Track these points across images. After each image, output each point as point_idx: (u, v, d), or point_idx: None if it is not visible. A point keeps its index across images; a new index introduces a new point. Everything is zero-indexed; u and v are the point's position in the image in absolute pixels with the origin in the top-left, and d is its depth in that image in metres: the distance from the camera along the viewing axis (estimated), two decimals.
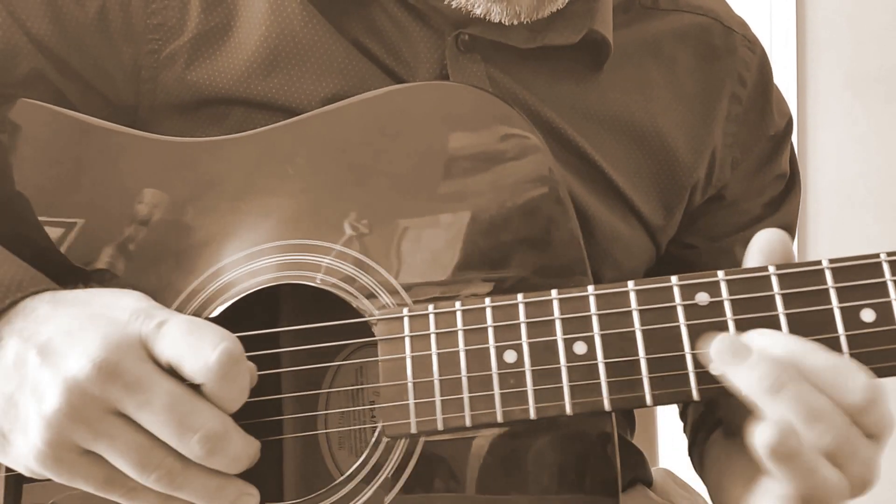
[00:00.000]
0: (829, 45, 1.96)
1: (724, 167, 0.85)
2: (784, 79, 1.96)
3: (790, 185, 0.91)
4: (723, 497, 0.68)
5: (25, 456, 0.56)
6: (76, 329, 0.55)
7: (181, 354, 0.54)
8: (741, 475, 0.62)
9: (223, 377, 0.55)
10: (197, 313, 0.65)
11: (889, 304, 0.57)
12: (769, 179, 0.89)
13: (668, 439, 1.22)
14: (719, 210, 0.87)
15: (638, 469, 0.87)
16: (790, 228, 0.92)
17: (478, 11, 0.72)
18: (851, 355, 0.56)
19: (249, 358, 0.63)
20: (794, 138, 0.91)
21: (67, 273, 0.66)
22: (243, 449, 0.57)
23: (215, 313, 0.65)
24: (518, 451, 0.61)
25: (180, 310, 0.65)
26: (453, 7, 0.73)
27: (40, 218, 0.68)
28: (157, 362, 0.56)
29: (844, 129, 1.96)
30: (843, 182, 1.95)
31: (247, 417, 0.58)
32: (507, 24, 0.73)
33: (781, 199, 0.90)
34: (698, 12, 0.85)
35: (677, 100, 0.82)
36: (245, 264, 0.65)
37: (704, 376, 0.57)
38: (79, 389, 0.53)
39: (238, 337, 0.63)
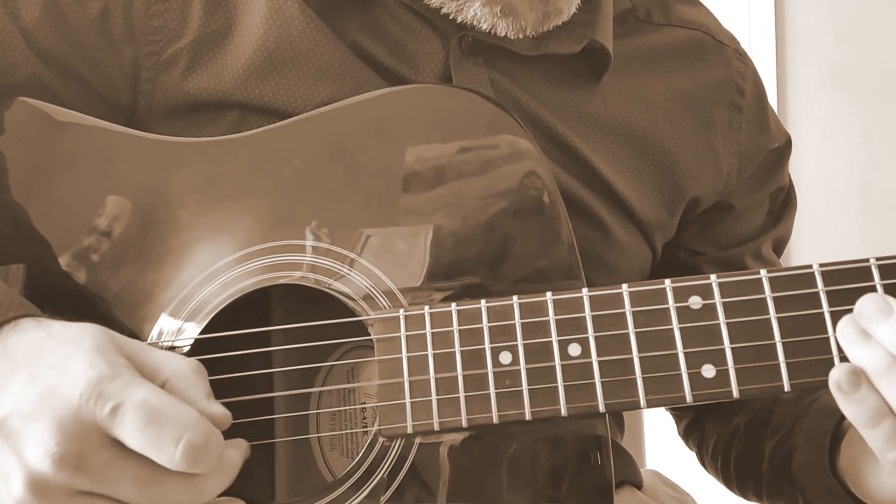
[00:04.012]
0: (809, 38, 2.00)
1: (732, 173, 0.89)
2: (763, 74, 1.99)
3: (788, 198, 0.96)
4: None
5: None
6: (29, 409, 0.54)
7: (144, 448, 0.53)
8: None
9: (192, 467, 0.54)
10: (195, 312, 0.66)
11: None
12: (772, 190, 0.94)
13: (655, 440, 1.26)
14: (729, 219, 0.91)
15: (627, 471, 0.89)
16: (784, 241, 0.97)
17: (484, 26, 0.75)
18: (842, 359, 0.59)
19: (245, 356, 0.65)
20: None
21: (62, 276, 0.68)
22: (220, 488, 0.57)
23: (207, 321, 0.66)
24: (512, 453, 0.63)
25: (179, 308, 0.67)
26: (458, 22, 0.76)
27: (34, 220, 0.69)
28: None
29: (825, 124, 2.00)
30: (825, 177, 1.99)
31: (237, 418, 0.60)
32: (512, 37, 0.76)
33: (782, 212, 0.95)
34: (690, 27, 0.89)
35: (677, 106, 0.85)
36: (240, 265, 0.67)
37: (698, 380, 0.60)
38: (41, 481, 0.53)
39: (232, 336, 0.65)
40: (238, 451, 0.59)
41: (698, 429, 0.98)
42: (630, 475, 0.89)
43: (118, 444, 0.54)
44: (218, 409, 0.58)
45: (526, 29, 0.76)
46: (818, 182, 1.99)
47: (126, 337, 0.59)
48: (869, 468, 0.69)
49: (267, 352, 0.69)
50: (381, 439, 0.63)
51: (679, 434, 1.02)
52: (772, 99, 1.97)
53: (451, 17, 0.76)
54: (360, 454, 0.63)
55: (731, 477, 0.93)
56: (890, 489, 0.68)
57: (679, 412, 1.01)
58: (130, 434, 0.53)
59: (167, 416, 0.53)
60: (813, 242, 1.95)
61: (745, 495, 0.92)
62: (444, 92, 0.71)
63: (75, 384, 0.54)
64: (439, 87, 0.74)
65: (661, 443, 1.14)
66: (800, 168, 1.99)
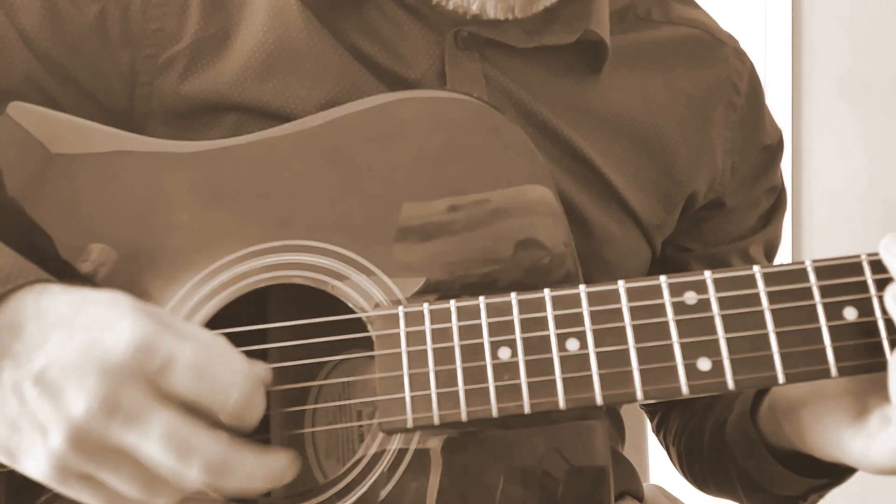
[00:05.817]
0: (824, 51, 2.04)
1: (726, 171, 0.92)
2: (779, 85, 2.02)
3: (779, 201, 0.99)
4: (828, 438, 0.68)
5: (37, 474, 0.59)
6: (70, 361, 0.56)
7: (196, 401, 0.57)
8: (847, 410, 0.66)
9: (244, 416, 0.58)
10: (193, 311, 0.69)
11: (869, 300, 0.63)
12: (763, 190, 0.96)
13: (660, 455, 1.28)
14: (719, 217, 0.94)
15: (628, 482, 0.91)
16: (775, 245, 1.00)
17: (474, 8, 0.79)
18: (834, 350, 0.62)
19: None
20: (788, 145, 0.99)
21: (59, 279, 0.70)
22: (257, 468, 0.59)
23: (205, 316, 0.69)
24: (511, 459, 0.66)
25: (177, 309, 0.69)
26: (450, 9, 0.79)
27: (29, 224, 0.72)
28: (160, 391, 0.57)
29: (839, 135, 2.03)
30: (838, 189, 2.02)
31: None
32: (501, 18, 0.79)
33: (771, 214, 0.98)
34: (690, 24, 0.92)
35: (676, 102, 0.89)
36: (240, 264, 0.70)
37: (693, 372, 0.63)
38: (81, 428, 0.55)
39: (228, 335, 0.67)
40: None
41: (665, 421, 1.00)
42: (630, 486, 0.91)
43: (158, 395, 0.57)
44: (262, 367, 0.62)
45: (514, 8, 0.79)
46: (831, 193, 2.02)
47: (154, 306, 0.63)
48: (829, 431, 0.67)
49: (263, 351, 0.72)
50: (380, 435, 0.65)
51: (653, 430, 1.04)
52: (786, 108, 2.00)
53: (442, 5, 0.79)
54: (360, 450, 0.66)
55: (684, 464, 0.95)
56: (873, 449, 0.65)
57: (651, 407, 1.03)
58: (184, 387, 0.57)
59: (217, 370, 0.58)
60: (824, 255, 1.97)
61: (699, 485, 0.94)
62: (447, 101, 0.74)
63: (118, 340, 0.56)
64: (442, 96, 0.76)
65: (665, 458, 1.17)
66: (815, 177, 2.02)
